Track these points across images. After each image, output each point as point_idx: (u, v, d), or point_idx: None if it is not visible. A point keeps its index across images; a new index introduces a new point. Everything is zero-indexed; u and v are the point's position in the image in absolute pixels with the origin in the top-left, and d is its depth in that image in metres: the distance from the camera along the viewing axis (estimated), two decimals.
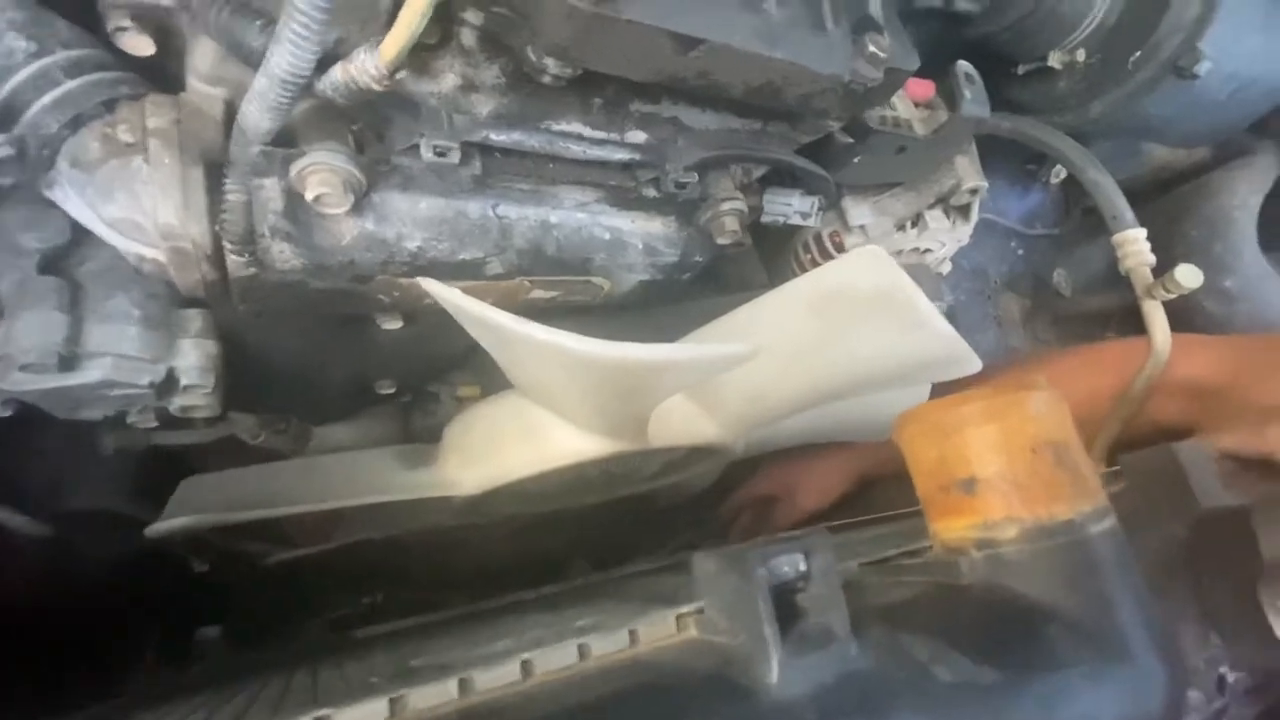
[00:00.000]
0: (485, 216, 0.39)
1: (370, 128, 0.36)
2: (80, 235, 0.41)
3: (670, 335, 0.52)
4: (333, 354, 0.55)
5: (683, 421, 0.53)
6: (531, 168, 0.40)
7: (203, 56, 0.33)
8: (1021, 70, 0.76)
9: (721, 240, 0.47)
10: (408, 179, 0.37)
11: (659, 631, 0.19)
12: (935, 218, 0.60)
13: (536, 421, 0.52)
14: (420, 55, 0.35)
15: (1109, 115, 0.75)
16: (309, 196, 0.33)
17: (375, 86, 0.29)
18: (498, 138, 0.37)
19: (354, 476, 0.56)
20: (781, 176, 0.53)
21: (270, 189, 0.34)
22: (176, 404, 0.47)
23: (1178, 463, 0.30)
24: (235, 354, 0.48)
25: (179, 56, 0.35)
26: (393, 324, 0.49)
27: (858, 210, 0.60)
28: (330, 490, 0.53)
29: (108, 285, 0.42)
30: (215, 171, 0.34)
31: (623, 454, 0.52)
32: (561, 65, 0.33)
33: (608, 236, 0.44)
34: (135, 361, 0.42)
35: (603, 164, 0.42)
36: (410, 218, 0.37)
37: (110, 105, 0.33)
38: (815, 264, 0.65)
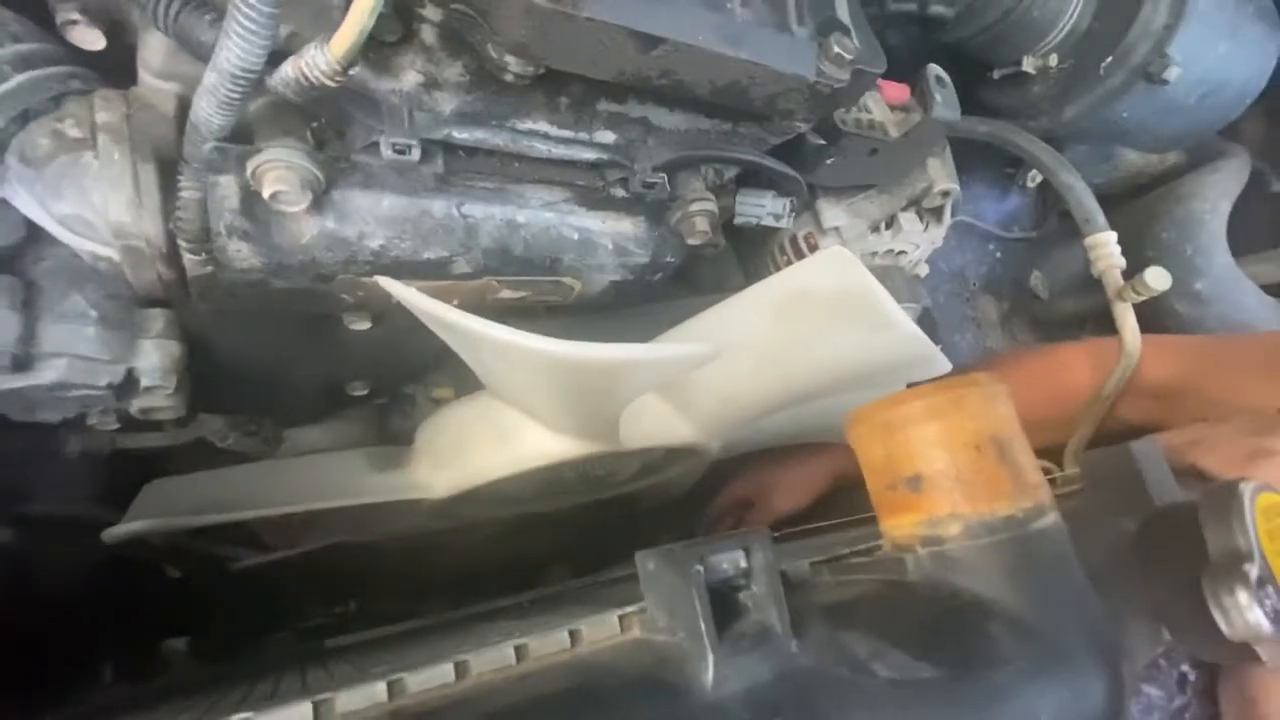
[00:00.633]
0: (450, 215, 0.39)
1: (330, 125, 0.35)
2: (36, 232, 0.40)
3: (644, 336, 0.52)
4: (301, 354, 0.54)
5: (656, 422, 0.53)
6: (497, 166, 0.39)
7: (154, 50, 0.32)
8: (996, 74, 0.76)
9: (692, 241, 0.47)
10: (369, 177, 0.36)
11: (601, 632, 0.19)
12: (909, 220, 0.61)
13: (508, 423, 0.51)
14: (381, 52, 0.35)
15: (1082, 119, 0.76)
16: (265, 193, 0.33)
17: (327, 82, 0.28)
18: (461, 135, 0.36)
19: (323, 479, 0.55)
20: (754, 178, 0.53)
21: (226, 186, 0.33)
22: (137, 406, 0.46)
23: (1133, 460, 0.30)
24: (201, 354, 0.48)
25: (131, 50, 0.34)
26: (361, 324, 0.49)
27: (832, 212, 0.60)
28: (298, 492, 0.52)
29: (64, 284, 0.41)
30: (169, 168, 0.33)
31: (596, 455, 0.51)
32: (523, 63, 0.33)
33: (576, 236, 0.44)
34: (92, 362, 0.42)
35: (570, 163, 0.41)
36: (372, 216, 0.37)
37: (59, 100, 0.33)
38: (790, 264, 0.65)
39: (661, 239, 0.48)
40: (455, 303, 0.46)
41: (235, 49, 0.26)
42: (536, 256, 0.43)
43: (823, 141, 0.53)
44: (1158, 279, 0.66)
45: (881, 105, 0.59)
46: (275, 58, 0.29)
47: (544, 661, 0.18)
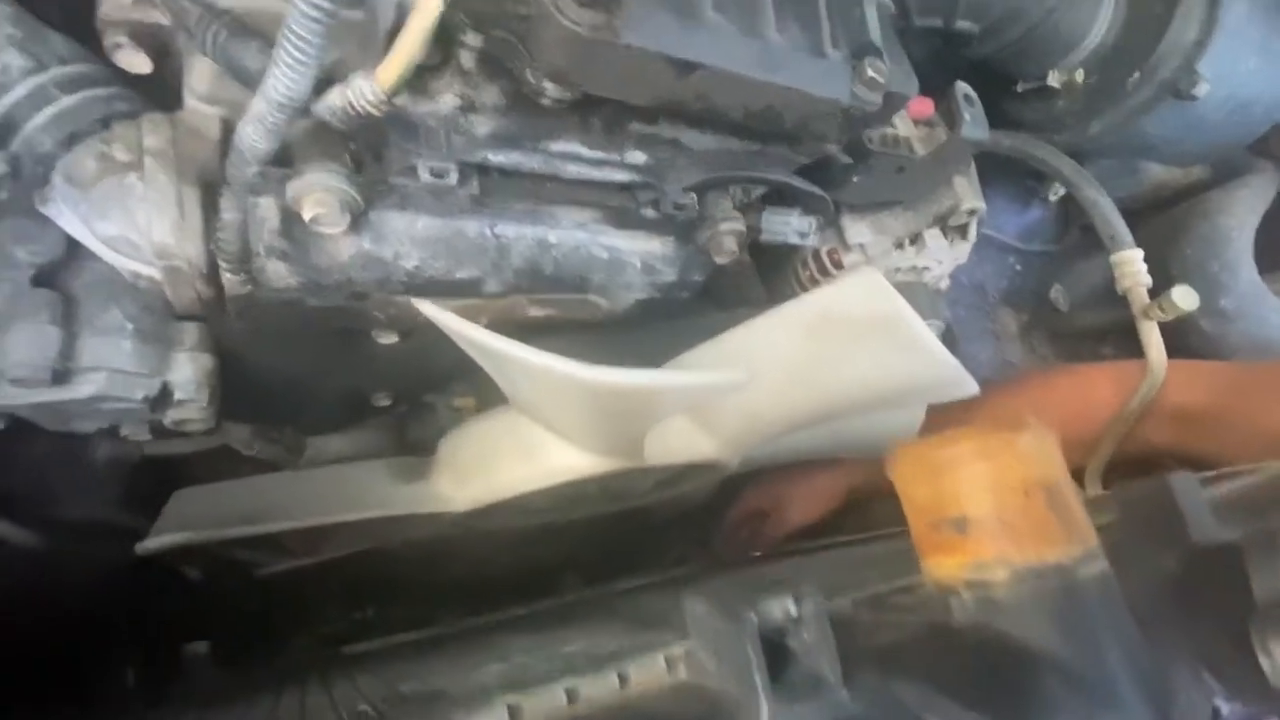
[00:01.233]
0: (483, 236, 0.39)
1: (368, 147, 0.36)
2: (75, 247, 0.41)
3: (667, 351, 0.52)
4: (329, 367, 0.55)
5: (680, 439, 0.53)
6: (530, 188, 0.40)
7: (200, 76, 0.33)
8: (1021, 88, 0.76)
9: (720, 260, 0.47)
10: (405, 198, 0.37)
11: (648, 674, 0.19)
12: (934, 237, 0.60)
13: (532, 439, 0.52)
14: (419, 76, 0.35)
15: (1107, 134, 0.75)
16: (306, 216, 0.33)
17: (374, 111, 0.29)
18: (496, 158, 0.37)
19: (346, 491, 0.55)
20: (780, 196, 0.53)
21: (266, 208, 0.34)
22: (170, 417, 0.47)
23: (1171, 495, 0.30)
24: (231, 366, 0.48)
25: (177, 74, 0.34)
26: (389, 338, 0.49)
27: (856, 228, 0.60)
28: (323, 505, 0.53)
29: (103, 298, 0.42)
30: (211, 190, 0.34)
31: (619, 472, 0.52)
32: (560, 89, 0.33)
33: (606, 256, 0.44)
34: (129, 376, 0.42)
35: (602, 184, 0.42)
36: (407, 237, 0.37)
37: (106, 122, 0.33)
38: (814, 280, 0.65)
39: (689, 258, 0.48)
40: (484, 320, 0.47)
41: (283, 78, 0.27)
42: (566, 275, 0.43)
43: (850, 160, 0.53)
44: (1185, 298, 0.65)
45: (906, 120, 0.59)
46: (320, 84, 0.29)
47: (596, 704, 0.18)
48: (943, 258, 0.63)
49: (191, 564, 0.74)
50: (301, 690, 0.45)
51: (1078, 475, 0.64)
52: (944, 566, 0.23)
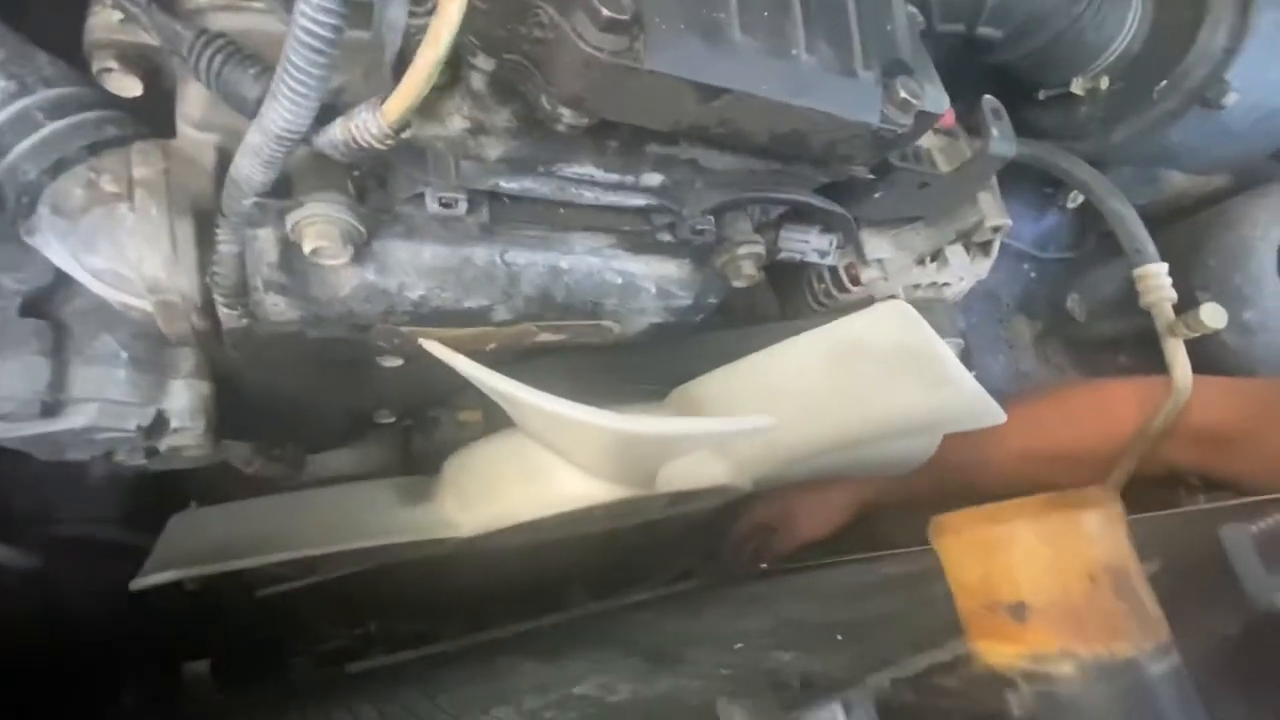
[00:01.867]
0: (492, 264, 0.38)
1: (372, 175, 0.34)
2: (65, 273, 0.39)
3: (678, 369, 0.51)
4: (330, 389, 0.53)
5: (694, 465, 0.51)
6: (542, 213, 0.38)
7: (194, 102, 0.31)
8: (1043, 95, 0.74)
9: (738, 283, 0.45)
10: (411, 228, 0.35)
11: None
12: (955, 253, 0.59)
13: (540, 464, 0.50)
14: (427, 98, 0.33)
15: (1131, 143, 0.73)
16: (306, 249, 0.31)
17: (377, 145, 0.27)
18: (508, 185, 0.35)
19: (350, 515, 0.54)
20: (799, 213, 0.51)
21: (264, 240, 0.32)
22: (166, 444, 0.45)
23: (1221, 549, 0.28)
24: (230, 387, 0.46)
25: (170, 94, 0.32)
26: (393, 362, 0.47)
27: (876, 243, 0.58)
28: (324, 533, 0.51)
29: (94, 325, 0.40)
30: (206, 221, 0.32)
31: (630, 499, 0.50)
32: (577, 115, 0.31)
33: (620, 281, 0.42)
34: (123, 405, 0.40)
35: (617, 208, 0.40)
36: (413, 267, 0.35)
37: (95, 148, 0.31)
38: (830, 295, 0.63)
39: (706, 281, 0.46)
40: (491, 347, 0.45)
41: (283, 110, 0.25)
42: (578, 302, 0.42)
43: (872, 176, 0.51)
44: (1213, 316, 0.63)
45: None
46: (322, 111, 0.27)
47: None
48: (964, 274, 0.61)
49: (193, 584, 0.72)
50: (301, 715, 0.44)
51: None
52: (999, 654, 0.21)
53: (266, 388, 0.50)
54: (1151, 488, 0.66)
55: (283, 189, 0.32)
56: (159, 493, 0.65)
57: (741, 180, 0.42)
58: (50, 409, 0.38)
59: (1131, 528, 0.21)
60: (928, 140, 0.55)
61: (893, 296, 0.58)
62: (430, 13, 0.24)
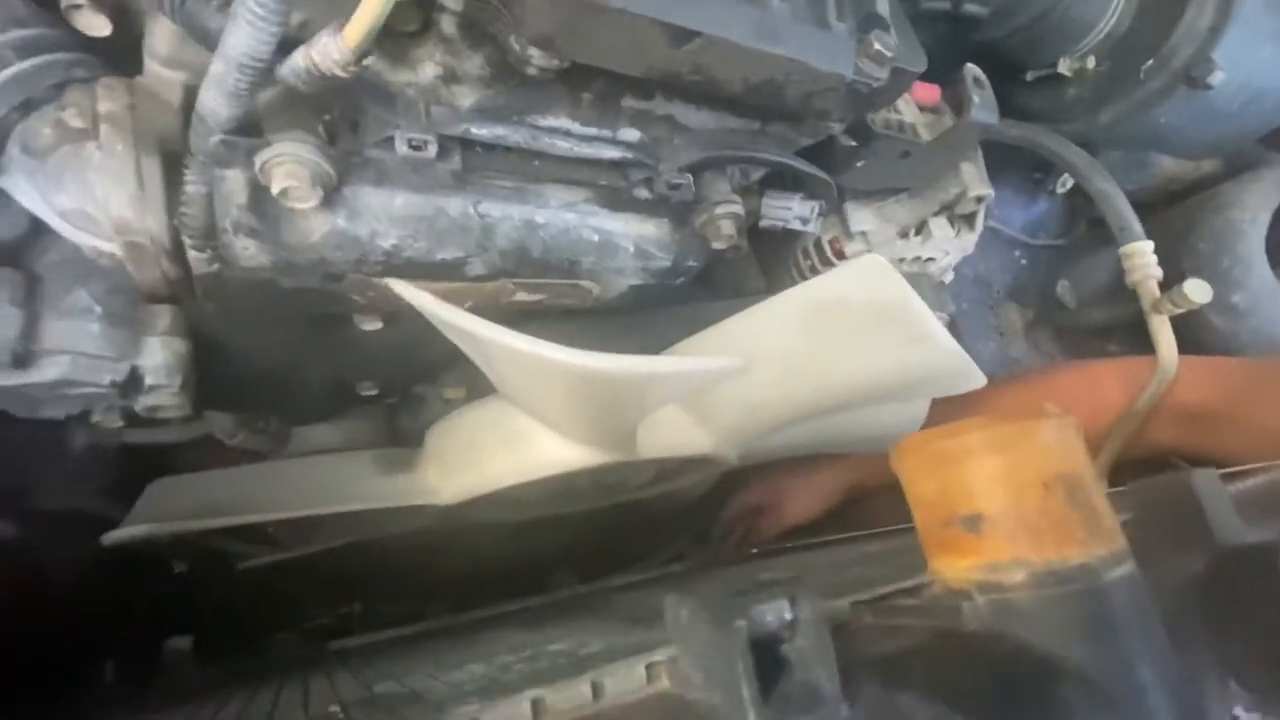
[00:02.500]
0: (466, 215, 0.37)
1: (343, 118, 0.34)
2: (40, 225, 0.39)
3: (661, 340, 0.50)
4: (310, 353, 0.53)
5: (674, 432, 0.51)
6: (516, 164, 0.38)
7: (161, 38, 0.31)
8: (1030, 77, 0.74)
9: (717, 245, 0.45)
10: (382, 173, 0.35)
11: (627, 684, 0.17)
12: (940, 226, 0.58)
13: (520, 429, 0.50)
14: (398, 43, 0.33)
15: (1119, 124, 0.73)
16: (274, 189, 0.31)
17: (339, 73, 0.26)
18: (479, 131, 0.35)
19: (330, 482, 0.54)
20: (781, 179, 0.51)
21: (233, 181, 0.32)
22: (142, 404, 0.45)
23: (1193, 494, 0.28)
24: (208, 351, 0.46)
25: (137, 37, 0.32)
26: (372, 324, 0.47)
27: (860, 216, 0.58)
28: (305, 496, 0.51)
29: (68, 278, 0.40)
30: (174, 162, 0.32)
31: (611, 465, 0.50)
32: (547, 56, 0.31)
33: (597, 238, 0.42)
34: (96, 360, 0.40)
35: (592, 162, 0.40)
36: (385, 214, 0.35)
37: (63, 88, 0.31)
38: (815, 270, 0.63)
39: (685, 242, 0.46)
40: (468, 305, 0.45)
41: (244, 36, 0.25)
42: (555, 259, 0.41)
43: (854, 143, 0.51)
44: (1197, 291, 0.63)
45: (911, 106, 0.56)
46: (286, 46, 0.27)
47: (564, 717, 0.16)
48: (949, 248, 0.61)
49: (176, 557, 0.72)
50: (278, 688, 0.43)
51: None
52: (955, 568, 0.21)
53: (246, 352, 0.50)
54: (1137, 471, 0.66)
55: (253, 130, 0.32)
56: (142, 468, 0.65)
57: (720, 139, 0.42)
58: (21, 359, 0.38)
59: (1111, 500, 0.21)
60: (912, 116, 0.56)
61: None
62: None
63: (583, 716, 0.16)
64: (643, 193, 0.41)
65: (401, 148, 0.32)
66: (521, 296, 0.44)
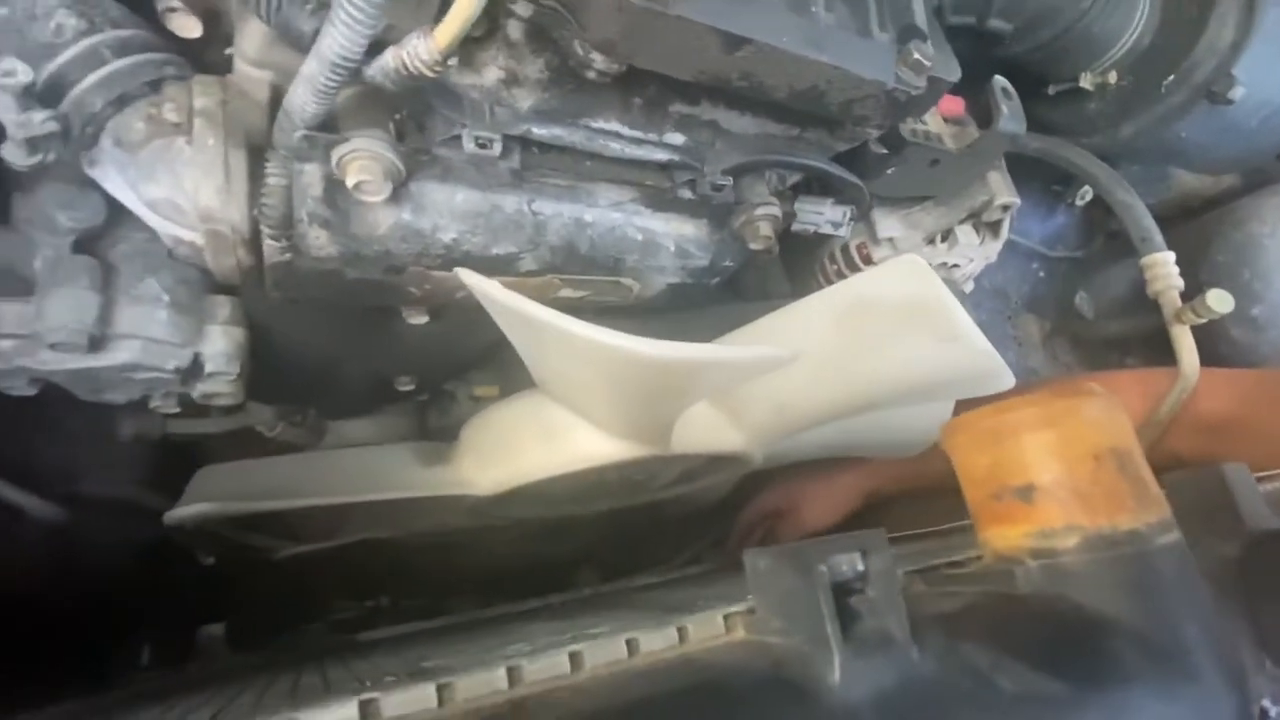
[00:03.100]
0: (520, 211, 0.39)
1: (412, 117, 0.36)
2: (115, 216, 0.41)
3: (694, 340, 0.52)
4: (356, 346, 0.55)
5: (706, 429, 0.52)
6: (569, 164, 0.40)
7: (251, 39, 0.33)
8: (1052, 90, 0.75)
9: (754, 245, 0.46)
10: (446, 170, 0.37)
11: (706, 631, 0.18)
12: (965, 233, 0.60)
13: (557, 422, 0.51)
14: (465, 47, 0.35)
15: (1139, 138, 0.75)
16: (349, 183, 0.33)
17: (427, 72, 0.28)
18: (540, 132, 0.37)
19: (370, 471, 0.55)
20: (813, 185, 0.53)
21: (311, 174, 0.34)
22: (200, 390, 0.47)
23: (1225, 484, 0.29)
24: (259, 343, 0.48)
25: (221, 41, 0.35)
26: (418, 318, 0.49)
27: (887, 223, 0.60)
28: (347, 484, 0.52)
29: (140, 268, 0.42)
30: (257, 156, 0.34)
31: (644, 459, 0.51)
32: (608, 61, 0.33)
33: (640, 237, 0.44)
34: (163, 345, 0.42)
35: (640, 163, 0.41)
36: (447, 209, 0.37)
37: (155, 85, 0.33)
38: (841, 275, 0.64)
39: (723, 243, 0.47)
40: None
41: (339, 37, 0.27)
42: (601, 256, 0.43)
43: (885, 150, 0.52)
44: (1220, 301, 0.64)
45: (936, 117, 0.58)
46: (372, 47, 0.29)
47: (656, 658, 0.17)
48: (973, 255, 0.62)
49: (206, 548, 0.74)
50: (322, 668, 0.45)
51: None
52: (1007, 537, 0.22)
53: (297, 343, 0.52)
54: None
55: (330, 128, 0.34)
56: (182, 462, 0.67)
57: (760, 144, 0.44)
58: (96, 343, 0.40)
59: None
60: (938, 127, 0.57)
61: None
62: None
63: (674, 657, 0.17)
64: (686, 194, 0.43)
65: (469, 146, 0.34)
66: (566, 293, 0.45)
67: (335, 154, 0.33)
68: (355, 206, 0.35)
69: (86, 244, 0.41)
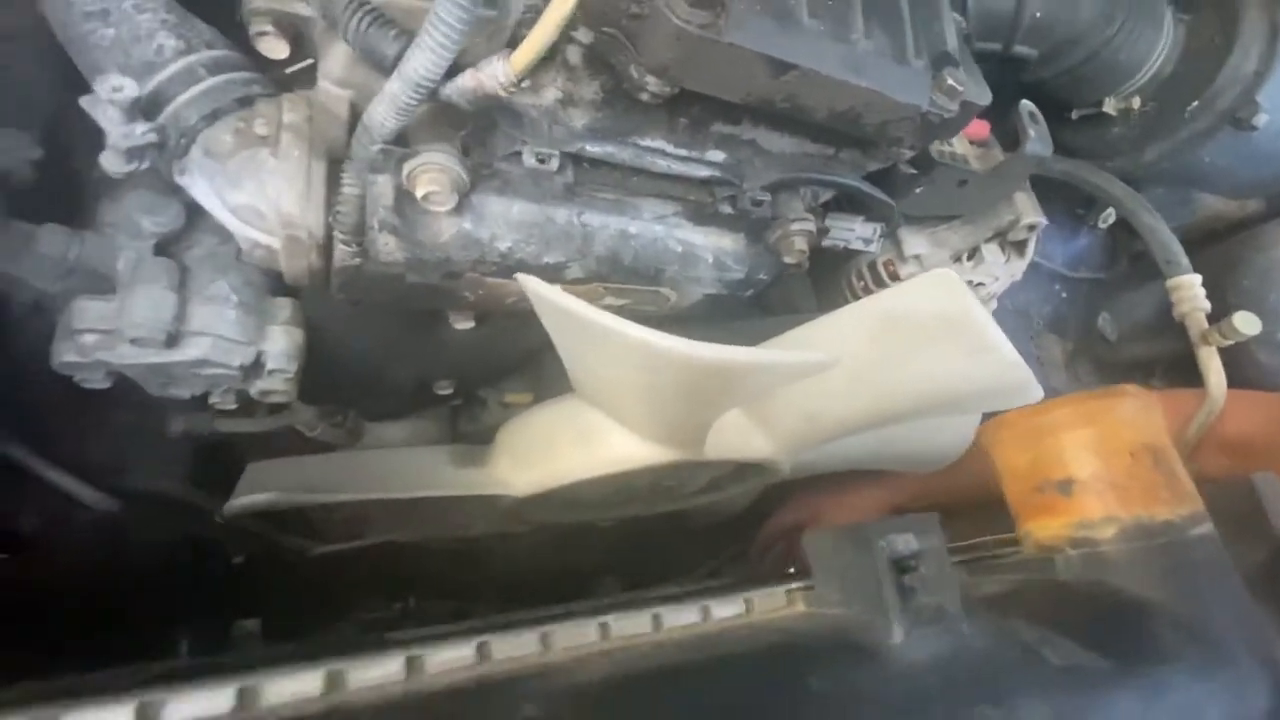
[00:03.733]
0: (571, 223, 0.42)
1: (475, 134, 0.38)
2: (190, 223, 0.44)
3: None
4: (405, 349, 0.57)
5: (738, 436, 0.54)
6: (618, 179, 0.42)
7: (335, 60, 0.36)
8: (1076, 115, 0.77)
9: (789, 259, 0.48)
10: (505, 183, 0.39)
11: (770, 603, 0.20)
12: (991, 252, 0.61)
13: (594, 426, 0.53)
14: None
15: (1162, 162, 0.76)
16: (419, 193, 0.35)
17: (501, 93, 0.31)
18: (593, 149, 0.39)
19: (411, 471, 0.57)
20: (845, 202, 0.55)
21: (383, 185, 0.36)
22: (259, 387, 0.49)
23: (1254, 492, 0.30)
24: (313, 345, 0.51)
25: (299, 60, 0.38)
26: (465, 323, 0.51)
27: (914, 240, 0.62)
28: (390, 481, 0.54)
29: (212, 270, 0.45)
30: (334, 167, 0.36)
31: (678, 463, 0.53)
32: (660, 84, 0.36)
33: (681, 249, 0.46)
34: (231, 343, 0.45)
35: (683, 179, 0.44)
36: (504, 220, 0.40)
37: (245, 101, 0.36)
38: (869, 291, 0.66)
39: (758, 256, 0.49)
40: None
41: (425, 60, 0.29)
42: (643, 266, 0.45)
43: (914, 171, 0.54)
44: (1247, 323, 0.65)
45: (962, 139, 0.60)
46: (450, 69, 0.32)
47: (725, 624, 0.19)
48: (999, 273, 0.64)
49: (241, 546, 0.76)
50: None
51: None
52: (1048, 528, 0.23)
53: (347, 346, 0.54)
54: None
55: (402, 143, 0.37)
56: (221, 462, 0.69)
57: (796, 162, 0.46)
58: (172, 339, 0.43)
59: None
60: (963, 149, 0.59)
61: None
62: None
63: (744, 624, 0.19)
64: (726, 208, 0.45)
65: (529, 161, 0.37)
66: (609, 300, 0.48)
67: (407, 166, 0.35)
68: (422, 215, 0.38)
69: (165, 247, 0.44)
